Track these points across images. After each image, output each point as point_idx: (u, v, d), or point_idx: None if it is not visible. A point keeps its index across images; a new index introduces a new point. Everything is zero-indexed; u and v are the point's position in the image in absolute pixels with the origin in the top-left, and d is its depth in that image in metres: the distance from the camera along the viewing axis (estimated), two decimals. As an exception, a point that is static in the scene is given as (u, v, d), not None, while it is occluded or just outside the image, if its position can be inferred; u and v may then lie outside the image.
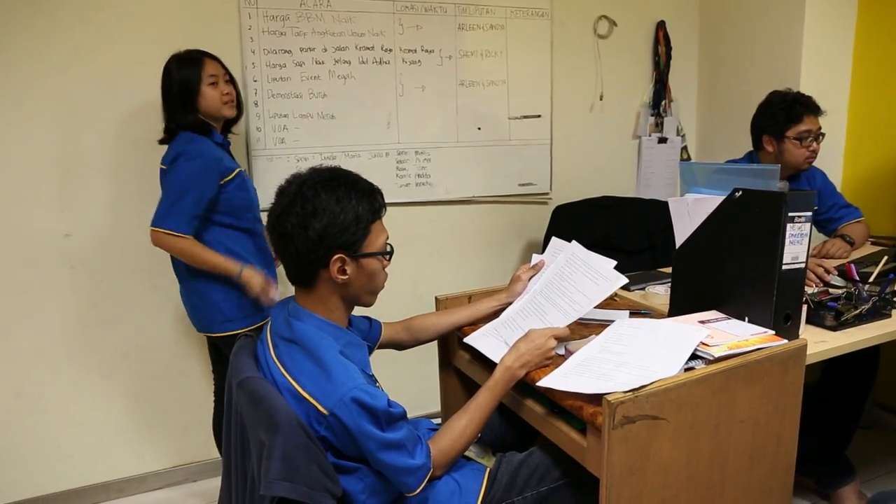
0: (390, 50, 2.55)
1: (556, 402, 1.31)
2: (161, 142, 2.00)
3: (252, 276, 1.94)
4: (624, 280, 1.44)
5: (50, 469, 2.36)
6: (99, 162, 2.26)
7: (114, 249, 2.33)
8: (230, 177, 1.97)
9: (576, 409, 1.23)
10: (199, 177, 1.89)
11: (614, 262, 1.46)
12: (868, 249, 2.37)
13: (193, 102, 1.95)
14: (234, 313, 1.99)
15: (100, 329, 2.35)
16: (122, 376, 2.41)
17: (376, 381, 1.41)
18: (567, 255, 1.53)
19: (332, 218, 1.23)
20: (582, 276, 1.45)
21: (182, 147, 1.92)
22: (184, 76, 1.94)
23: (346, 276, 1.27)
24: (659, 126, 3.14)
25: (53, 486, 2.37)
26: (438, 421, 1.97)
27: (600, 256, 1.49)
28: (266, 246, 2.08)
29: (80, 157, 2.24)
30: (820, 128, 2.27)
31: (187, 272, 2.00)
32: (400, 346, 1.62)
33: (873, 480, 2.40)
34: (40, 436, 2.33)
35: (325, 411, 1.15)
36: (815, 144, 2.26)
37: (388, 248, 1.34)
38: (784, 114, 2.23)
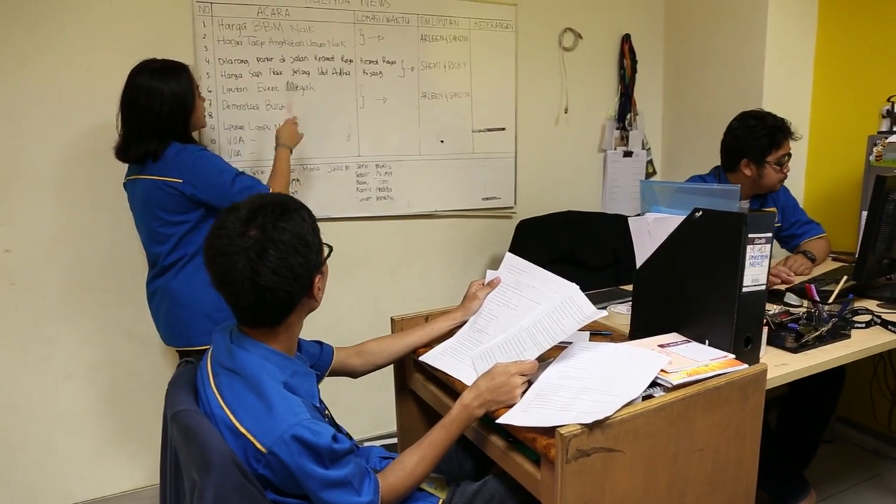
0: (351, 61, 2.50)
1: (512, 434, 1.26)
2: (134, 159, 1.90)
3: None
4: (603, 313, 1.40)
5: (-13, 497, 2.24)
6: (41, 173, 2.16)
7: (58, 265, 2.22)
8: None
9: (530, 441, 1.18)
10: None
11: (605, 314, 1.41)
12: (829, 265, 2.37)
13: (189, 118, 1.91)
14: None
15: (42, 348, 2.24)
16: (66, 397, 2.30)
17: (326, 408, 1.35)
18: (564, 297, 1.46)
19: (306, 245, 1.17)
20: (573, 321, 1.40)
21: (188, 150, 1.88)
22: (183, 90, 1.87)
23: (321, 290, 1.24)
24: (624, 140, 3.13)
25: (-9, 515, 2.26)
26: (395, 441, 1.92)
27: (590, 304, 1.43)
28: None
29: (21, 168, 2.13)
30: (790, 149, 2.29)
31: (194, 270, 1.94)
32: (353, 372, 1.56)
33: (836, 496, 2.40)
34: (-23, 462, 2.21)
35: (263, 449, 1.08)
36: (788, 166, 2.28)
37: (329, 245, 1.29)
38: (767, 140, 2.22)
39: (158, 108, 1.83)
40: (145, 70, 1.85)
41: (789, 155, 2.27)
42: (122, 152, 1.91)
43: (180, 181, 1.86)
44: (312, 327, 2.56)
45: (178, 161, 1.86)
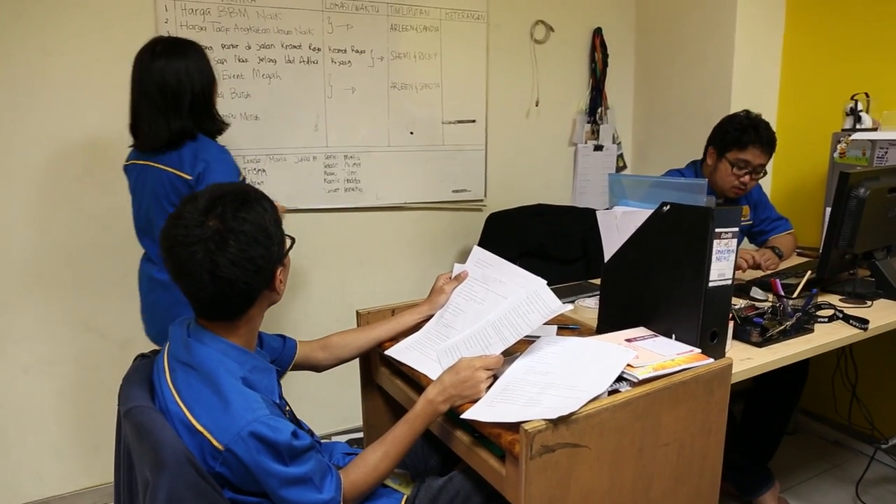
0: (319, 49, 2.45)
1: (477, 429, 1.24)
2: (155, 146, 1.72)
3: None
4: (568, 307, 1.40)
5: (-63, 496, 2.16)
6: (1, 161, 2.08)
7: (10, 258, 2.14)
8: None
9: (495, 437, 1.16)
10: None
11: (571, 307, 1.42)
12: (794, 260, 2.41)
13: (214, 101, 1.76)
14: None
15: (-5, 343, 2.16)
16: (21, 393, 2.22)
17: (287, 405, 1.32)
18: (530, 292, 1.45)
19: (267, 236, 1.13)
20: (538, 315, 1.38)
21: (211, 154, 1.71)
22: (211, 70, 1.72)
23: (283, 283, 1.21)
24: (595, 133, 3.13)
25: (-59, 514, 2.17)
26: (362, 435, 1.89)
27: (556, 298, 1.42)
28: None
29: (-28, 156, 2.05)
30: (763, 165, 2.17)
31: None
32: (317, 366, 1.53)
33: (797, 486, 2.44)
34: (-75, 460, 2.13)
35: (220, 446, 1.05)
36: (747, 178, 2.17)
37: (291, 237, 1.25)
38: (734, 134, 2.14)
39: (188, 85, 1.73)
40: None
41: (754, 166, 2.15)
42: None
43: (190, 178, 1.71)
44: (279, 320, 2.55)
45: (194, 157, 1.71)
